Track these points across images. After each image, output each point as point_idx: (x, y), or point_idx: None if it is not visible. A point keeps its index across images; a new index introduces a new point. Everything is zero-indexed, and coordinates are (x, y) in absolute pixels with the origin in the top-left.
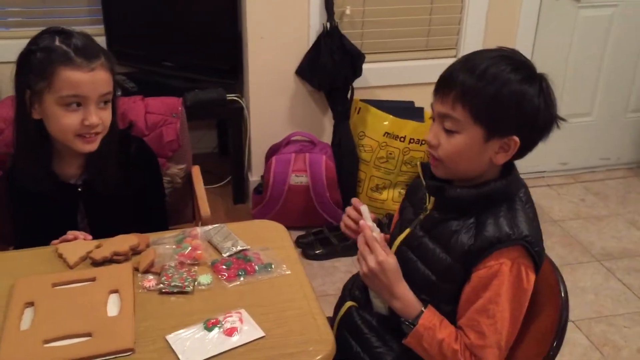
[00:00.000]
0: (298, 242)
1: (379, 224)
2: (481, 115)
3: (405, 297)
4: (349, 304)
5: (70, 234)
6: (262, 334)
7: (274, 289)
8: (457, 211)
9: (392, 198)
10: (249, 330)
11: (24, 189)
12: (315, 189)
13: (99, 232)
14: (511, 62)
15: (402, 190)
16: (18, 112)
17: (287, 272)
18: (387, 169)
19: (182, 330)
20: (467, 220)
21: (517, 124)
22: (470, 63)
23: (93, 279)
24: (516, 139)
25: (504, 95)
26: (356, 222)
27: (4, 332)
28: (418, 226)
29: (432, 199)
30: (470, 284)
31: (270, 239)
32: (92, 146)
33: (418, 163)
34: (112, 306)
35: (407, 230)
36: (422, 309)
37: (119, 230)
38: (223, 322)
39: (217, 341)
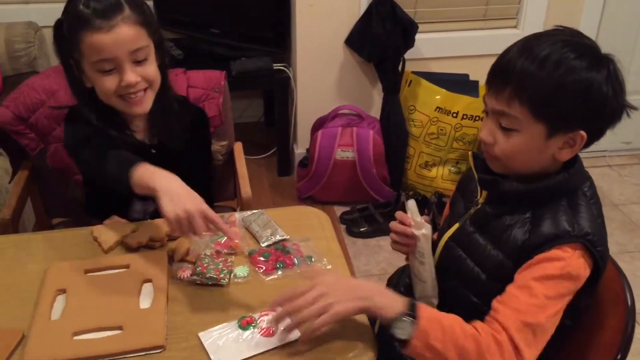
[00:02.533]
0: (342, 219)
1: (428, 204)
2: (543, 111)
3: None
4: None
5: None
6: (298, 336)
7: None
8: (511, 205)
9: (442, 176)
10: (285, 331)
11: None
12: (362, 165)
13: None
14: (575, 46)
15: (452, 168)
16: (71, 83)
17: (328, 267)
18: (438, 145)
19: (215, 328)
20: (522, 215)
21: (583, 117)
22: (527, 51)
23: (127, 267)
24: (583, 133)
25: (569, 85)
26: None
27: (34, 321)
28: (468, 221)
29: (485, 192)
30: (518, 270)
31: (311, 228)
32: (142, 107)
33: (470, 153)
34: (145, 297)
35: (456, 226)
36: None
37: None
38: (258, 321)
39: (251, 342)
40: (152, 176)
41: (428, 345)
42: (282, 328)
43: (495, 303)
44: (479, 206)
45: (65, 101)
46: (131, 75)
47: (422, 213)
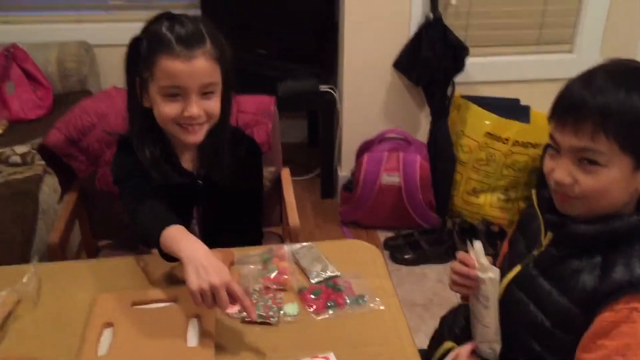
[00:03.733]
0: (386, 245)
1: (475, 232)
2: (631, 142)
3: None
4: (448, 345)
5: None
6: None
7: (365, 327)
8: (580, 248)
9: (490, 203)
10: None
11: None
12: (408, 190)
13: (210, 227)
14: None
15: (501, 195)
16: (130, 100)
17: (381, 308)
18: (487, 172)
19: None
20: (592, 259)
21: None
22: (599, 83)
23: (174, 300)
24: None
25: None
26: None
27: (81, 357)
28: (531, 264)
29: (549, 234)
30: (591, 330)
31: (363, 264)
32: (196, 137)
33: (533, 192)
34: (192, 335)
35: (518, 268)
36: None
37: (227, 227)
38: None
39: None
40: (179, 242)
41: None
42: None
43: None
44: (543, 248)
45: (116, 125)
46: (195, 109)
47: (468, 240)
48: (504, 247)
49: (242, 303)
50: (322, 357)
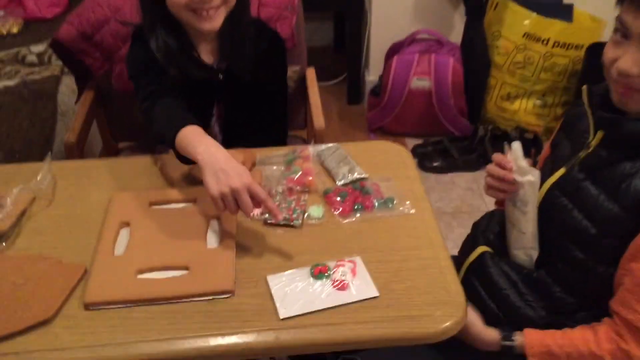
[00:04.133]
0: (415, 152)
1: (509, 138)
2: None
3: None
4: (482, 249)
5: None
6: (375, 293)
7: (394, 232)
8: (633, 150)
9: (525, 109)
10: (361, 286)
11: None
12: (439, 95)
13: (231, 126)
14: None
15: (537, 101)
16: None
17: (411, 211)
18: (524, 75)
19: (285, 273)
20: None
21: None
22: None
23: (193, 201)
24: None
25: None
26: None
27: (97, 256)
28: (577, 166)
29: (600, 133)
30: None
31: (392, 166)
32: (212, 23)
33: (584, 88)
34: (212, 236)
35: (562, 171)
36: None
37: (250, 125)
38: (332, 271)
39: (322, 294)
40: (196, 144)
41: None
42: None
43: (616, 306)
44: (591, 150)
45: (131, 17)
46: None
47: (501, 149)
48: (545, 149)
49: (266, 204)
50: (348, 261)
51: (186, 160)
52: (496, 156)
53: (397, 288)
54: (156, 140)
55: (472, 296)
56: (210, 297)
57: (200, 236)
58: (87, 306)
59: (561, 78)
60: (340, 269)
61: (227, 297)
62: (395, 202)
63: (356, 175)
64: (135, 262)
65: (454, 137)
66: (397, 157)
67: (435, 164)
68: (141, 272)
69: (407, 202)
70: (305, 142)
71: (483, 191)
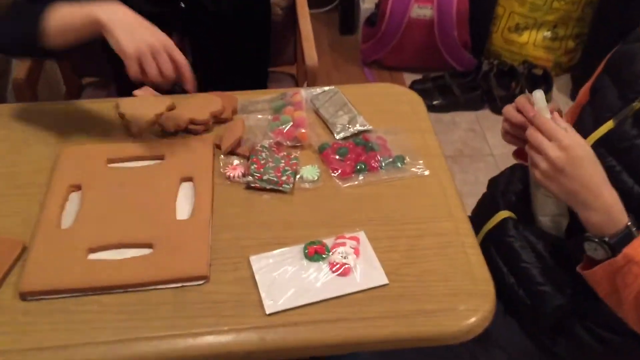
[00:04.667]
0: (413, 88)
1: (515, 74)
2: None
3: (608, 205)
4: (503, 214)
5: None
6: (384, 280)
7: (406, 199)
8: None
9: (534, 42)
10: (366, 270)
11: None
12: (441, 25)
13: (200, 65)
14: None
15: (547, 33)
16: None
17: (425, 173)
18: (534, 3)
19: (273, 253)
20: None
21: None
22: None
23: (161, 158)
24: None
25: None
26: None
27: (39, 228)
28: (630, 119)
29: None
30: None
31: (401, 115)
32: None
33: None
34: (183, 203)
35: (609, 124)
36: (632, 228)
37: (224, 63)
38: (331, 252)
39: (318, 282)
40: (86, 8)
41: (609, 280)
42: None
43: None
44: None
45: None
46: None
47: (508, 86)
48: (581, 95)
49: (184, 75)
50: (349, 238)
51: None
52: (520, 100)
53: (410, 273)
54: (22, 51)
55: (489, 268)
56: (179, 285)
57: (169, 204)
58: (23, 295)
59: (575, 7)
60: (341, 248)
61: (200, 284)
62: (406, 160)
63: (358, 127)
64: (85, 237)
65: (456, 72)
66: (407, 103)
67: (434, 102)
68: (93, 250)
69: (421, 161)
70: (295, 80)
71: (486, 133)
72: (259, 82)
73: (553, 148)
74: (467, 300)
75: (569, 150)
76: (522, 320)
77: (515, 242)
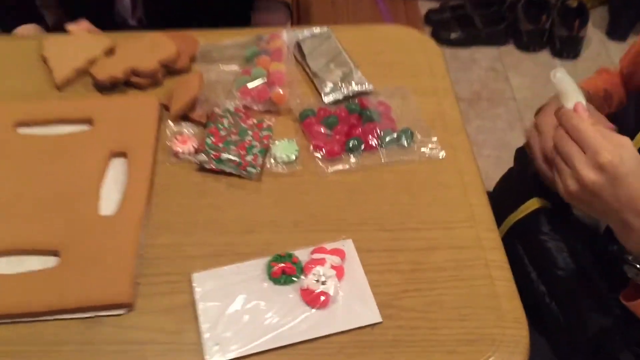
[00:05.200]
0: (429, 19)
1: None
2: None
3: None
4: (535, 203)
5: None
6: (376, 318)
7: (412, 192)
8: None
9: None
10: (351, 302)
11: None
12: None
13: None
14: None
15: None
16: None
17: (440, 155)
18: None
19: (225, 270)
20: None
21: None
22: None
23: (88, 122)
24: None
25: None
26: None
27: None
28: None
29: None
30: None
31: (410, 70)
32: None
33: None
34: (112, 189)
35: None
36: None
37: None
38: (305, 273)
39: (284, 317)
40: None
41: None
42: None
43: None
44: None
45: None
46: None
47: (537, 19)
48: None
49: None
50: (330, 252)
51: None
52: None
53: (413, 307)
54: None
55: (512, 267)
56: (91, 315)
57: (90, 191)
58: None
59: None
60: (318, 268)
61: (119, 315)
62: (415, 137)
63: (354, 87)
64: None
65: (479, 1)
66: (419, 53)
67: (452, 36)
68: None
69: (434, 139)
70: (290, 11)
71: (509, 72)
72: (239, 10)
73: (587, 167)
74: (491, 350)
75: (607, 170)
76: (553, 341)
77: (549, 241)
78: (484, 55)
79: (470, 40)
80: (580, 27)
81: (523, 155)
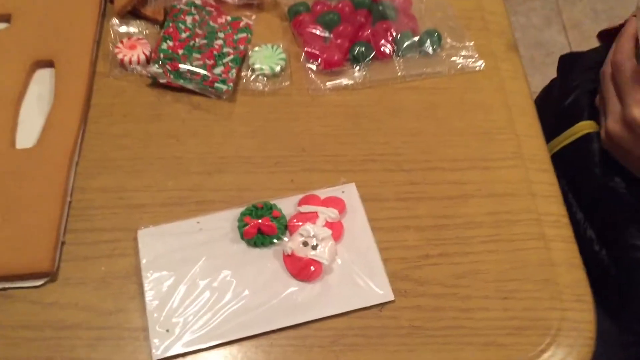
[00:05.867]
0: None
1: None
2: None
3: None
4: (585, 127)
5: None
6: (388, 296)
7: (439, 118)
8: None
9: None
10: (352, 272)
11: None
12: None
13: None
14: None
15: None
16: None
17: (477, 66)
18: None
19: (181, 225)
20: None
21: None
22: None
23: (6, 20)
24: None
25: None
26: None
27: None
28: None
29: None
30: None
31: None
32: None
33: None
34: (33, 112)
35: None
36: None
37: None
38: (289, 234)
39: (259, 293)
40: None
41: None
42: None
43: None
44: None
45: None
46: None
47: None
48: None
49: None
50: (324, 201)
51: None
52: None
53: (437, 278)
54: None
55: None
56: (1, 287)
57: (4, 112)
58: None
59: None
60: (308, 226)
61: (37, 288)
62: (443, 41)
63: None
64: None
65: None
66: None
67: None
68: None
69: (470, 44)
70: None
71: None
72: None
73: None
74: (544, 342)
75: None
76: (607, 302)
77: (601, 175)
78: None
79: None
80: None
81: (567, 62)
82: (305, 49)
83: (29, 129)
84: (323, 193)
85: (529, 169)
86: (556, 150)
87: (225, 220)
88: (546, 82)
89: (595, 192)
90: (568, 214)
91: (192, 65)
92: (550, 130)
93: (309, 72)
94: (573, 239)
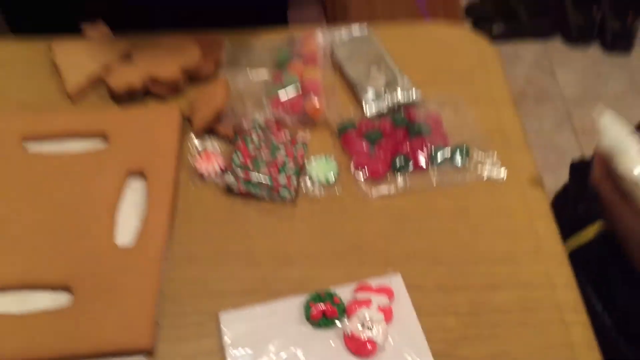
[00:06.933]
0: (470, 11)
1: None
2: None
3: None
4: (592, 230)
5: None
6: None
7: (471, 220)
8: None
9: None
10: (402, 350)
11: None
12: None
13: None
14: None
15: None
16: None
17: (501, 175)
18: None
19: (257, 310)
20: None
21: None
22: None
23: (102, 136)
24: None
25: None
26: None
27: None
28: None
29: None
30: None
31: (464, 76)
32: None
33: None
34: (129, 214)
35: None
36: None
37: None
38: (347, 316)
39: None
40: None
41: None
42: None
43: None
44: None
45: None
46: None
47: (588, 11)
48: None
49: None
50: (376, 290)
51: None
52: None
53: (474, 356)
54: None
55: None
56: None
57: (105, 216)
58: None
59: None
60: (364, 310)
61: None
62: (471, 154)
63: (399, 98)
64: None
65: None
66: (472, 55)
67: (495, 30)
68: None
69: (494, 154)
70: (323, 8)
71: (556, 69)
72: (274, 16)
73: None
74: None
75: None
76: None
77: (615, 273)
78: (528, 51)
79: (514, 33)
80: (635, 18)
81: (578, 170)
82: (355, 159)
83: (126, 229)
84: (374, 282)
85: (548, 264)
86: (574, 247)
87: (293, 306)
88: (559, 182)
89: (613, 287)
90: (587, 304)
91: (260, 176)
92: (569, 229)
93: (358, 180)
94: (588, 322)
